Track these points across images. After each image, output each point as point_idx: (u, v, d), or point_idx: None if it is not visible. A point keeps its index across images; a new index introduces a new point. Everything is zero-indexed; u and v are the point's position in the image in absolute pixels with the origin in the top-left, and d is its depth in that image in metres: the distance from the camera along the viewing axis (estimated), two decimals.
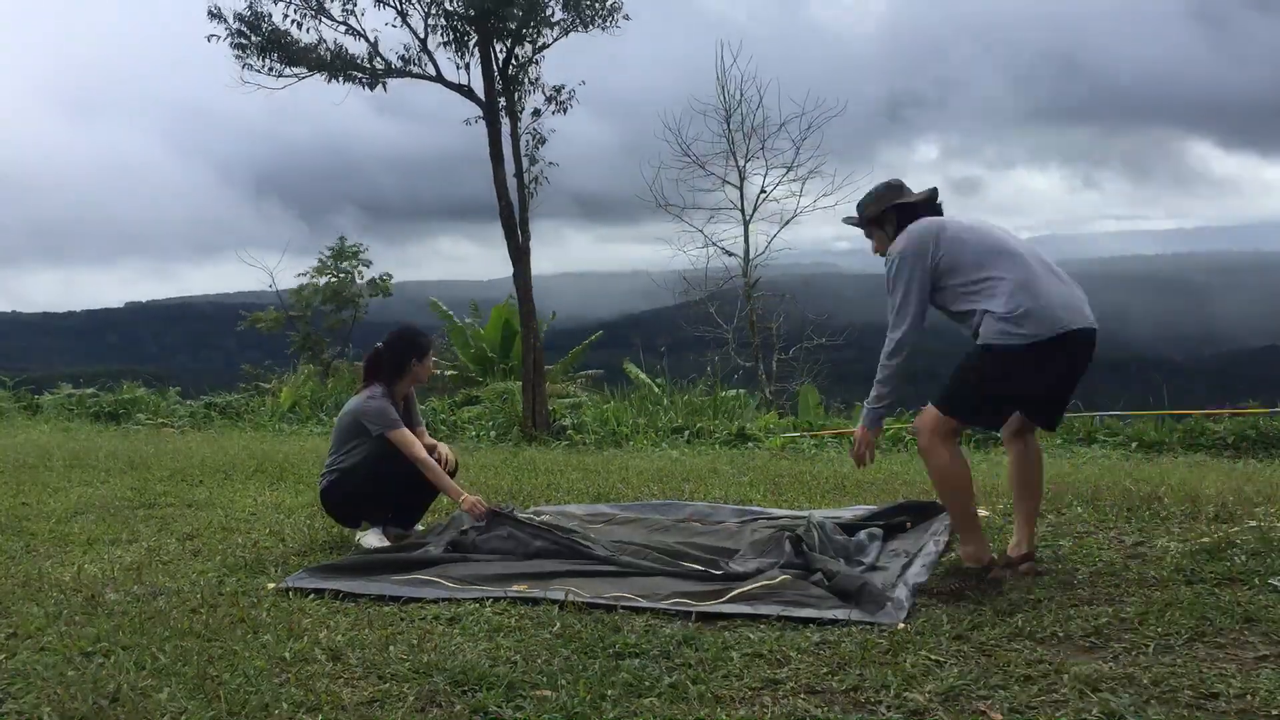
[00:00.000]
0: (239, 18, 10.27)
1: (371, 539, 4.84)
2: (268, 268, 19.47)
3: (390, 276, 20.58)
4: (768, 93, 23.91)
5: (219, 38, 10.38)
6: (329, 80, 10.48)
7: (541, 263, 11.85)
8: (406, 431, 4.83)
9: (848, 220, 4.25)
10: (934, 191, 4.11)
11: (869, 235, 4.20)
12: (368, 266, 20.34)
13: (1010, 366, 3.72)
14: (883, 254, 4.08)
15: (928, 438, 3.86)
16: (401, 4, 10.43)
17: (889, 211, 4.09)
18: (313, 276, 20.08)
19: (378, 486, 4.85)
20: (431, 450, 4.99)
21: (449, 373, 18.16)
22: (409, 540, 4.89)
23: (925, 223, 3.94)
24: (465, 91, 10.70)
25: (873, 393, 4.00)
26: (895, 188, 4.15)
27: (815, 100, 16.88)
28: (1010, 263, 3.77)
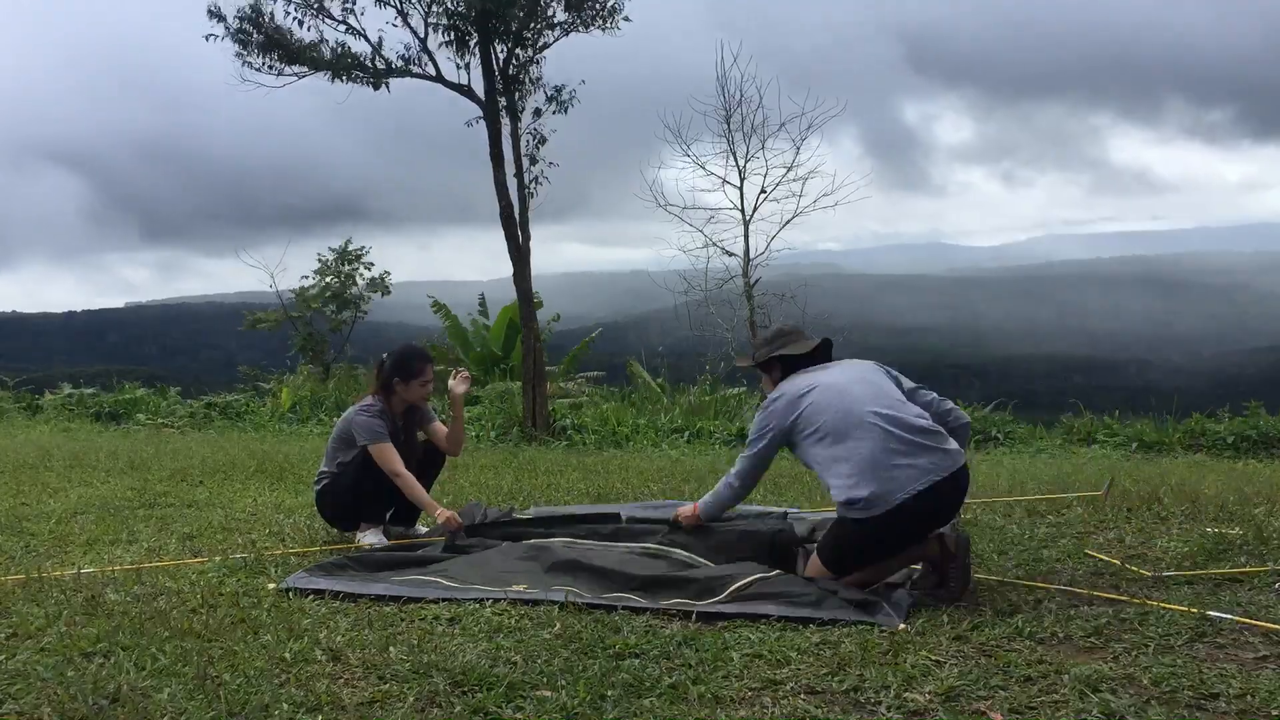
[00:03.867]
0: (240, 15, 10.29)
1: (370, 538, 4.88)
2: (267, 268, 19.42)
3: (389, 274, 20.62)
4: (767, 92, 23.86)
5: (217, 37, 10.39)
6: (332, 80, 10.50)
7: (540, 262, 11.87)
8: (389, 448, 4.84)
9: (740, 362, 4.33)
10: (823, 343, 4.15)
11: (760, 378, 4.28)
12: (369, 269, 20.37)
13: (868, 538, 3.70)
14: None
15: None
16: (401, 3, 10.45)
17: (774, 360, 4.15)
18: (315, 278, 20.09)
19: (370, 489, 4.91)
20: (437, 434, 5.18)
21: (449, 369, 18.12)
22: (409, 539, 4.91)
23: (796, 384, 3.94)
24: (465, 91, 10.70)
25: (712, 500, 4.19)
26: (783, 335, 4.20)
27: (815, 100, 16.86)
28: (858, 442, 3.69)
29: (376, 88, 10.69)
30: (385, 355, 5.13)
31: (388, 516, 5.12)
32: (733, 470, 4.14)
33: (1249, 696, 2.65)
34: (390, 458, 4.84)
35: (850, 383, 3.88)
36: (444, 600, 3.69)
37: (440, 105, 10.66)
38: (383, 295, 20.47)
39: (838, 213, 17.08)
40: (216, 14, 10.36)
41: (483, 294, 19.08)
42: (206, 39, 10.39)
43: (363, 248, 20.50)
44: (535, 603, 3.62)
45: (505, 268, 11.08)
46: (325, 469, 5.08)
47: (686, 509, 4.38)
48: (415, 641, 3.21)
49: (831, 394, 3.83)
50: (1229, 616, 3.32)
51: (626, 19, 10.66)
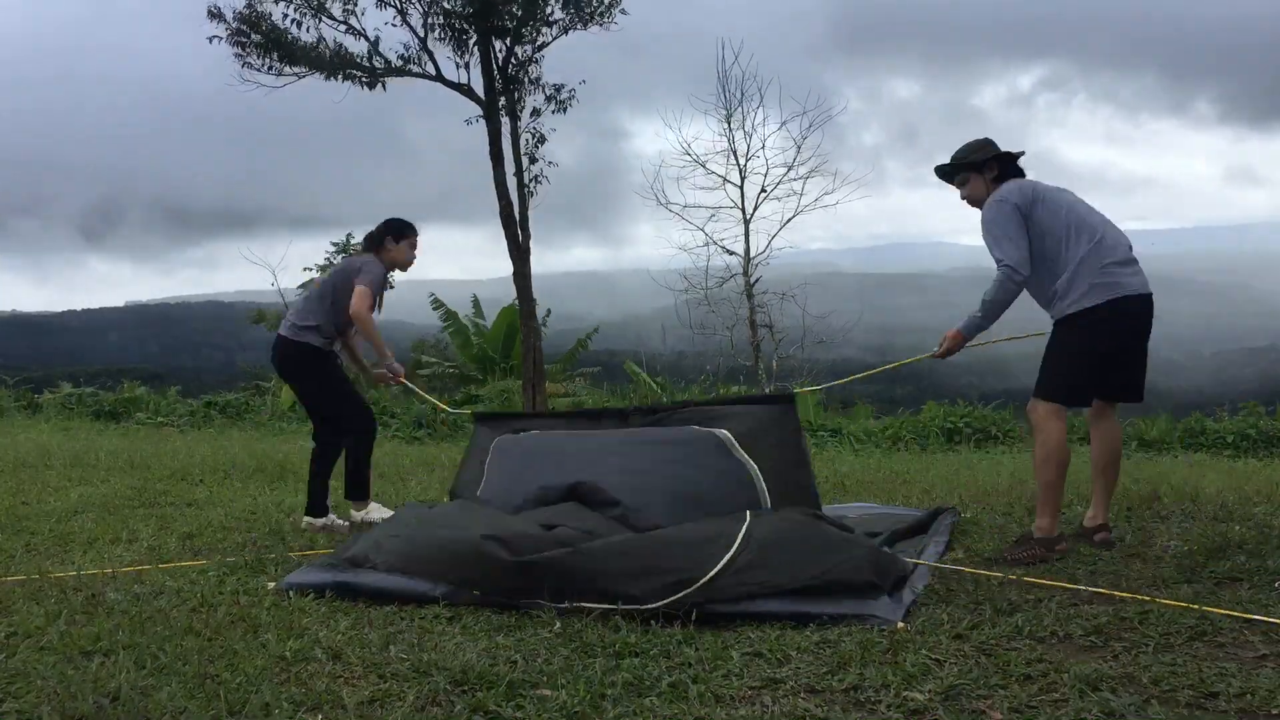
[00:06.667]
0: (239, 17, 10.27)
1: (376, 513, 5.29)
2: (270, 266, 19.39)
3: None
4: (768, 90, 23.91)
5: (220, 39, 10.37)
6: (327, 78, 10.49)
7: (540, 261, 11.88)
8: (367, 296, 5.18)
9: (941, 170, 4.69)
10: (1021, 153, 4.57)
11: (963, 184, 4.62)
12: None
13: (1082, 332, 4.26)
14: (974, 201, 4.59)
15: (1040, 418, 4.34)
16: (401, 3, 10.44)
17: (991, 161, 4.55)
18: (318, 273, 20.12)
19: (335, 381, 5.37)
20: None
21: (449, 369, 18.17)
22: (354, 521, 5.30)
23: (1028, 182, 4.45)
24: (465, 91, 10.70)
25: (978, 313, 4.43)
26: (993, 142, 4.60)
27: (816, 99, 16.91)
28: (1087, 239, 4.28)
29: (371, 87, 10.68)
30: (376, 226, 5.55)
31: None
32: (999, 262, 4.30)
33: (1249, 695, 2.65)
34: (366, 302, 5.16)
35: (1075, 200, 4.42)
36: (444, 601, 3.67)
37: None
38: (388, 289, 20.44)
39: (837, 211, 17.12)
40: (217, 15, 10.35)
41: (475, 295, 19.12)
42: (210, 40, 10.38)
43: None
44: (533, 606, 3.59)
45: (497, 267, 11.12)
46: (308, 314, 5.35)
47: (949, 334, 4.54)
48: (415, 640, 3.21)
49: (1068, 196, 4.40)
50: (1229, 614, 3.32)
51: (624, 12, 10.66)
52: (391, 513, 5.05)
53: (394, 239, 5.46)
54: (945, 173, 4.68)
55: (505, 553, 3.61)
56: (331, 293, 5.34)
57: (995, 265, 4.34)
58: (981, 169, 4.55)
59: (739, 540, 3.53)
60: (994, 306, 4.39)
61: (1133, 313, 4.30)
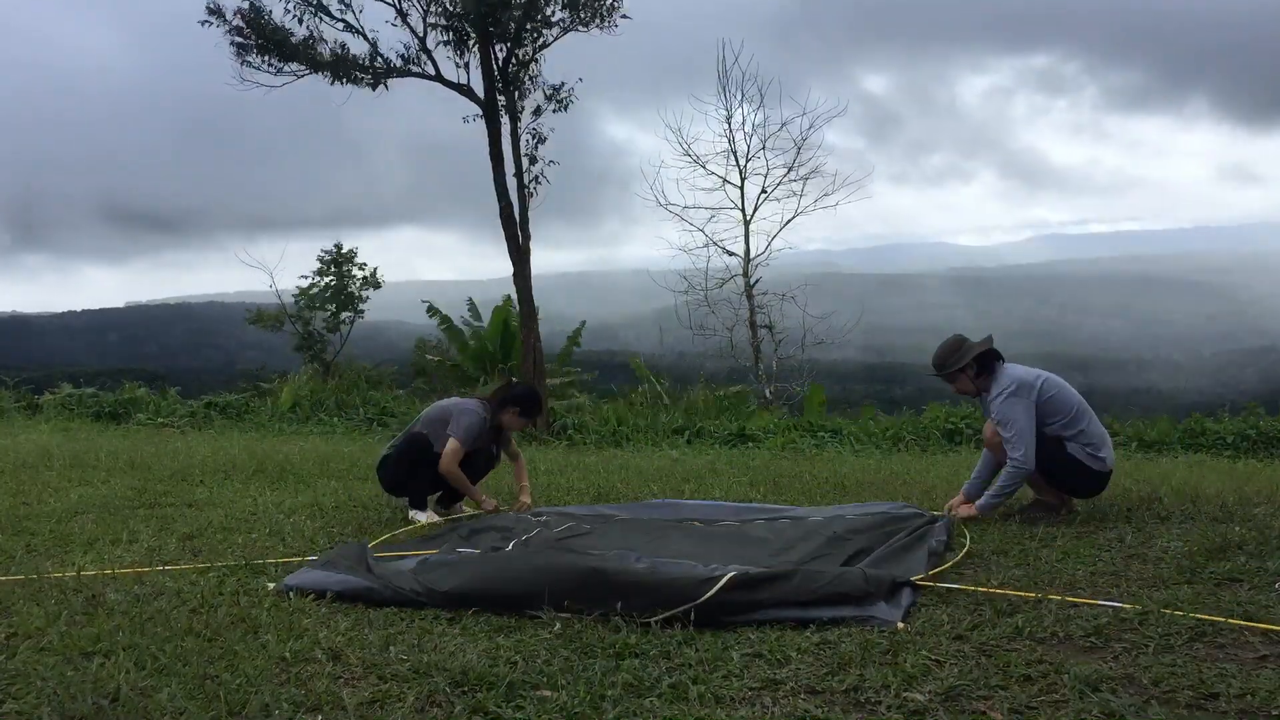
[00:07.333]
0: (239, 13, 10.28)
1: (421, 516, 5.49)
2: (267, 268, 19.41)
3: (377, 269, 20.96)
4: (769, 90, 23.92)
5: (212, 24, 10.39)
6: (332, 83, 10.51)
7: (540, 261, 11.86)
8: (460, 452, 5.54)
9: (934, 374, 5.38)
10: (991, 338, 5.29)
11: (952, 380, 5.32)
12: (361, 269, 20.67)
13: (1091, 477, 5.16)
14: (968, 393, 5.39)
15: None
16: (400, 2, 10.45)
17: (972, 360, 5.22)
18: (314, 278, 20.27)
19: (412, 466, 5.59)
20: (514, 459, 6.02)
21: (450, 367, 18.21)
22: (451, 517, 5.60)
23: (1024, 369, 5.18)
24: (465, 91, 10.71)
25: (996, 495, 5.10)
26: (971, 341, 5.28)
27: (816, 100, 16.92)
28: (1094, 423, 5.16)
29: (375, 88, 10.69)
30: (516, 380, 6.01)
31: (433, 500, 5.76)
32: (1013, 456, 4.99)
33: (1249, 696, 2.65)
34: (455, 459, 5.51)
35: (1064, 383, 5.19)
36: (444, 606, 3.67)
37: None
38: (375, 289, 20.79)
39: (836, 211, 17.11)
40: (216, 11, 10.36)
41: (471, 298, 19.17)
42: (202, 24, 10.39)
43: (354, 249, 20.83)
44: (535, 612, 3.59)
45: (492, 268, 11.12)
46: (396, 439, 5.85)
47: (966, 509, 5.15)
48: (415, 641, 3.21)
49: (1063, 387, 5.15)
50: (1228, 620, 3.32)
51: (625, 16, 10.66)
52: (433, 518, 5.52)
53: (515, 412, 5.77)
54: (935, 375, 5.36)
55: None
56: (419, 421, 5.77)
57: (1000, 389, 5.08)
58: (965, 369, 5.25)
59: (730, 573, 3.48)
60: (1010, 493, 5.13)
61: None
